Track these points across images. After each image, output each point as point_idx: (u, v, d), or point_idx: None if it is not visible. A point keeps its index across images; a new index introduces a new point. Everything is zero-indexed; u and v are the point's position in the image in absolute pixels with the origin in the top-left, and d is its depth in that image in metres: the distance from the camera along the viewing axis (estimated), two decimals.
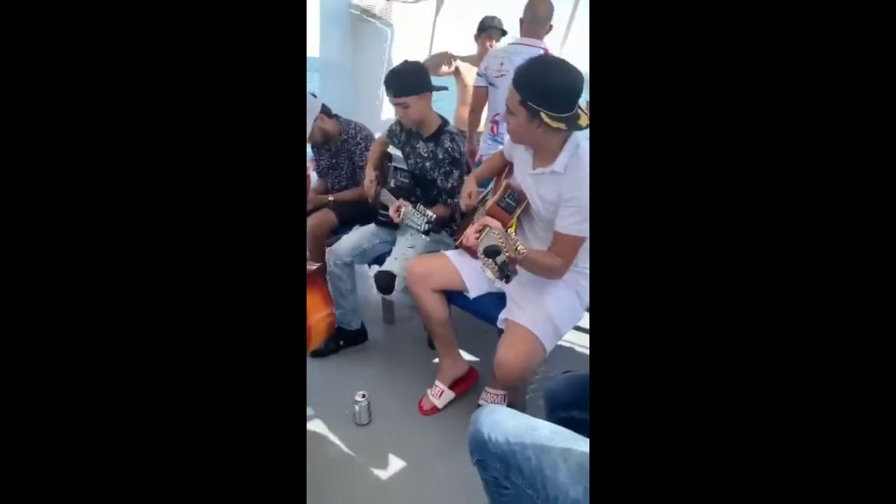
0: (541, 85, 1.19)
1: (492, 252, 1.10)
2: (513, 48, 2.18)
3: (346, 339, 1.91)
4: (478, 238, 1.22)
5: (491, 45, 2.62)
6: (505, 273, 1.11)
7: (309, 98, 2.02)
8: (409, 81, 1.60)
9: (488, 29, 2.63)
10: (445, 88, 2.05)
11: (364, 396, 1.54)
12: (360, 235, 1.88)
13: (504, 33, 2.68)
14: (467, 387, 1.65)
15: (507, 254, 1.09)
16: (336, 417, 1.57)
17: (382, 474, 1.38)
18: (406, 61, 1.71)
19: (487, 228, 1.19)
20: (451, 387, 1.61)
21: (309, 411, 1.63)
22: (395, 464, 1.41)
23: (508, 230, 1.14)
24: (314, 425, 1.56)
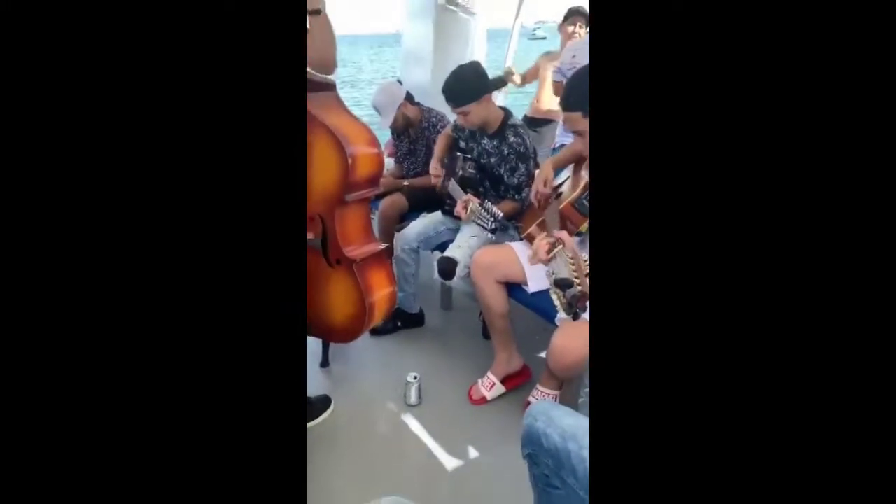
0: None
1: (563, 284, 1.01)
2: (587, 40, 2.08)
3: (404, 321, 1.97)
4: (549, 253, 1.16)
5: (574, 33, 2.53)
6: (574, 309, 1.00)
7: (395, 84, 2.08)
8: (466, 89, 1.60)
9: (572, 16, 2.53)
10: (505, 84, 2.01)
11: (416, 378, 1.59)
12: (426, 222, 1.92)
13: (589, 20, 2.60)
14: (519, 383, 1.65)
15: (578, 287, 0.99)
16: (387, 395, 1.63)
17: (426, 456, 1.42)
18: (461, 66, 1.68)
19: (561, 246, 1.12)
20: (502, 381, 1.62)
21: (361, 385, 1.70)
22: (440, 447, 1.44)
23: (582, 260, 1.04)
24: (365, 399, 1.63)
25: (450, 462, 1.40)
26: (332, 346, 1.77)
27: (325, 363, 1.76)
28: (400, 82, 2.10)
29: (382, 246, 1.50)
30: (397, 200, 2.07)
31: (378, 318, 1.53)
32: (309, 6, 1.21)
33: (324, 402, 1.55)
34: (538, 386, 1.51)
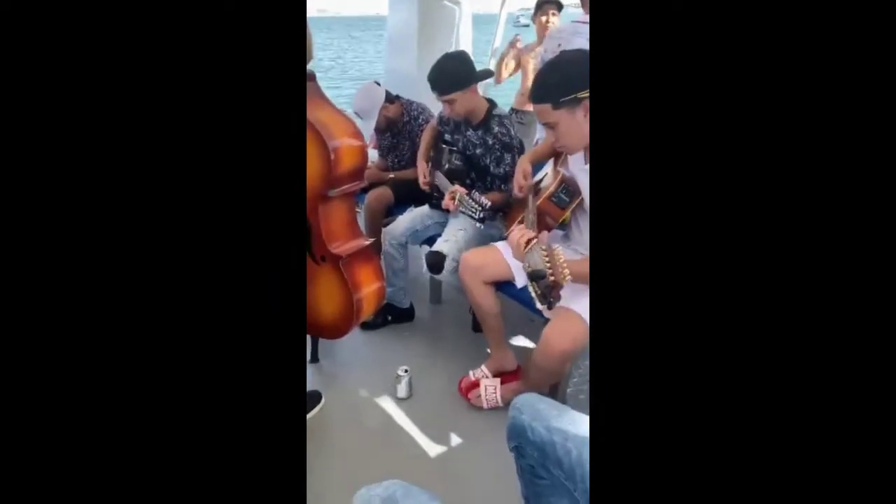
0: (557, 78, 1.15)
1: (536, 276, 1.04)
2: (573, 26, 1.97)
3: (394, 315, 1.96)
4: (525, 249, 1.16)
5: (548, 22, 2.51)
6: (548, 300, 1.03)
7: (373, 86, 2.04)
8: (453, 78, 1.58)
9: (543, 5, 2.51)
10: (491, 74, 1.99)
11: (406, 371, 1.59)
12: (413, 217, 1.91)
13: (560, 7, 2.57)
14: (512, 382, 1.65)
15: (551, 278, 1.02)
16: (378, 389, 1.63)
17: (417, 448, 1.43)
18: (447, 54, 1.66)
19: (535, 241, 1.13)
20: (494, 375, 1.62)
21: (352, 380, 1.70)
22: (431, 439, 1.45)
23: (555, 250, 1.06)
24: (356, 394, 1.63)
25: (440, 454, 1.41)
26: (322, 342, 1.76)
27: (314, 359, 1.76)
28: (378, 83, 2.06)
29: (368, 241, 1.49)
30: (383, 194, 2.05)
31: (366, 314, 1.52)
32: None
33: (314, 398, 1.55)
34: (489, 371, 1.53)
